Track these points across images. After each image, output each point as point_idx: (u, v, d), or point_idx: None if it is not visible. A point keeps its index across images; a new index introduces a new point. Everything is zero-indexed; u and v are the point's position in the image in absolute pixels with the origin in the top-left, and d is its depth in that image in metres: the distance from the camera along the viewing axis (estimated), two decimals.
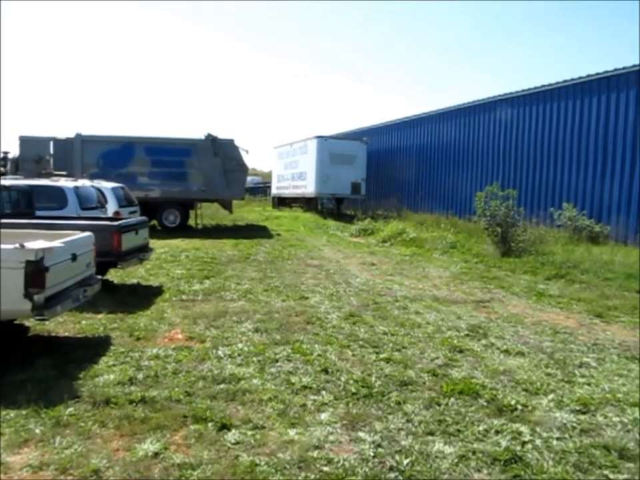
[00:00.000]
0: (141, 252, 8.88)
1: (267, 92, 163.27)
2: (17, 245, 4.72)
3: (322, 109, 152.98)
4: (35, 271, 4.71)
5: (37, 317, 4.99)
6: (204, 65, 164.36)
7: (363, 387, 4.67)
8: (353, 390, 4.60)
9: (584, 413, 4.27)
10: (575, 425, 4.04)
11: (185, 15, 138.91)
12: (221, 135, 19.68)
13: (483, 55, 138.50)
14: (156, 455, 3.45)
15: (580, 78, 15.76)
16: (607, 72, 14.84)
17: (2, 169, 17.21)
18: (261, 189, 43.09)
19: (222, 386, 4.60)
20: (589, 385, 4.90)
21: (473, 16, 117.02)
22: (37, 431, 3.72)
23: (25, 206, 9.37)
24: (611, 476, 3.37)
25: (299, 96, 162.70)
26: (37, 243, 4.90)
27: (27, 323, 6.14)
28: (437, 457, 3.52)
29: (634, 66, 14.03)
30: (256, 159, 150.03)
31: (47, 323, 6.02)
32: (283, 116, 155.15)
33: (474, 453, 3.58)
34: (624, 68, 14.33)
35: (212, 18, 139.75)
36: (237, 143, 19.72)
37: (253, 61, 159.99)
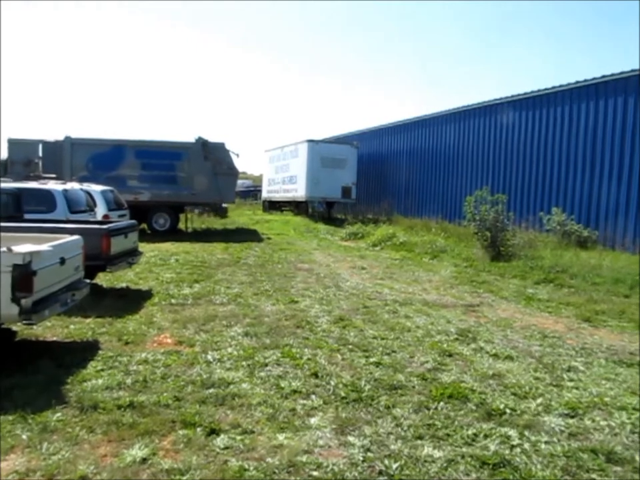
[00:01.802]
0: (130, 256, 8.85)
1: (259, 94, 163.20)
2: (4, 249, 4.67)
3: (316, 112, 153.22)
4: (23, 275, 4.67)
5: (25, 322, 4.93)
6: (194, 68, 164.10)
7: (352, 391, 4.67)
8: (343, 394, 4.60)
9: (572, 417, 4.30)
10: (563, 428, 4.07)
11: (178, 17, 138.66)
12: (212, 138, 19.68)
13: (481, 57, 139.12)
14: (144, 460, 3.43)
15: (569, 84, 15.90)
16: (595, 78, 14.97)
17: None
18: (252, 193, 43.06)
19: (211, 390, 4.59)
20: (577, 388, 4.93)
21: (471, 19, 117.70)
22: (24, 436, 3.69)
23: (13, 209, 9.30)
24: (599, 479, 3.39)
25: (291, 98, 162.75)
26: (25, 247, 4.85)
27: (14, 328, 6.08)
28: (425, 461, 3.52)
29: (622, 73, 14.16)
30: (247, 162, 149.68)
31: (34, 327, 5.97)
32: (275, 119, 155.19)
33: (463, 457, 3.59)
34: (612, 75, 14.45)
35: (204, 20, 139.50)
36: (227, 146, 19.72)
37: (244, 63, 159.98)
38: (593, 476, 3.42)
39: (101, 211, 12.80)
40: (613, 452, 3.70)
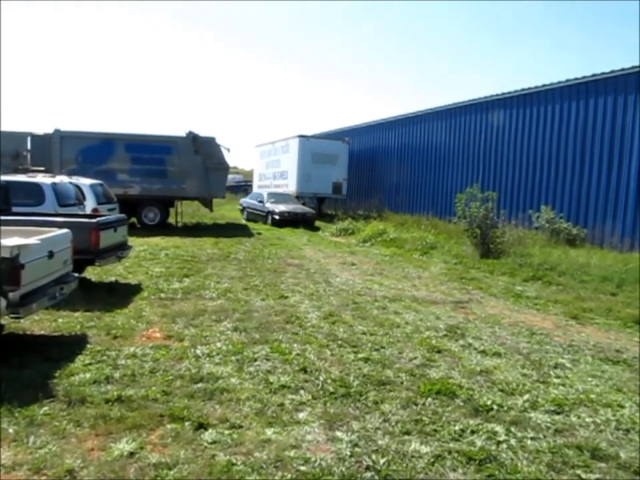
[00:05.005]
0: (120, 250, 8.80)
1: (251, 89, 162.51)
2: None
3: (308, 108, 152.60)
4: (10, 268, 4.63)
5: (12, 315, 4.90)
6: (188, 63, 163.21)
7: (341, 386, 4.68)
8: (331, 389, 4.61)
9: (558, 414, 4.34)
10: (549, 425, 4.10)
11: (177, 17, 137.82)
12: (203, 132, 19.59)
13: (474, 56, 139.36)
14: (131, 454, 3.42)
15: (560, 82, 15.99)
16: (585, 77, 15.07)
17: None
18: (243, 188, 42.98)
19: (199, 385, 4.58)
20: (563, 385, 4.98)
21: (463, 18, 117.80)
22: (11, 430, 3.67)
23: (1, 202, 9.23)
24: (583, 475, 3.42)
25: (284, 93, 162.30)
26: (13, 240, 4.82)
27: (1, 321, 6.04)
28: (413, 456, 3.54)
29: (612, 72, 14.27)
30: (237, 157, 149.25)
31: (22, 321, 5.93)
32: (267, 114, 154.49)
33: (449, 452, 3.61)
34: (602, 73, 14.56)
35: (202, 19, 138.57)
36: (218, 140, 19.61)
37: (236, 58, 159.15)
38: (578, 472, 3.46)
39: (90, 204, 12.70)
40: (598, 448, 3.74)
